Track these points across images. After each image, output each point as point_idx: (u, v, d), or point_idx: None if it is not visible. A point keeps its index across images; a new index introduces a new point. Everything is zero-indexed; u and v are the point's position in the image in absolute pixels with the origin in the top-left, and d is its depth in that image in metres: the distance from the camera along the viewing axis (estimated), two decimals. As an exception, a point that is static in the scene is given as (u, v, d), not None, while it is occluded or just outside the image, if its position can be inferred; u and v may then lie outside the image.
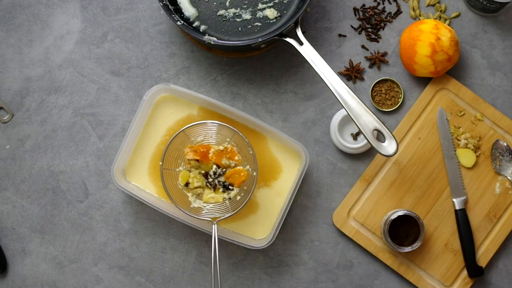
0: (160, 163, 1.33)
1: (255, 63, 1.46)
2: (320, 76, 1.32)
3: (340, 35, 1.46)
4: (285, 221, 1.42)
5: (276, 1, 1.43)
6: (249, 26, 1.42)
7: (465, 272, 1.41)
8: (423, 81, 1.45)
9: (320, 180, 1.44)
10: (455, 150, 1.42)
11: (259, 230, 1.40)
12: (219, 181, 1.34)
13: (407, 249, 1.36)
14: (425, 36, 1.38)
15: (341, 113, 1.42)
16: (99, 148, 1.44)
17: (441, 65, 1.39)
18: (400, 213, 1.36)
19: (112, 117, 1.45)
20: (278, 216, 1.38)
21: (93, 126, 1.45)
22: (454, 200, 1.41)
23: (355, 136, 1.43)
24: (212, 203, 1.34)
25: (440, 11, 1.47)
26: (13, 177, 1.44)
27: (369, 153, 1.44)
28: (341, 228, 1.41)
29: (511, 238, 1.42)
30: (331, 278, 1.42)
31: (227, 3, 1.43)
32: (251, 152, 1.33)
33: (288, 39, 1.35)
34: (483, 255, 1.41)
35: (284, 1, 1.43)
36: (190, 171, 1.34)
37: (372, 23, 1.46)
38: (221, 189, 1.34)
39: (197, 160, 1.33)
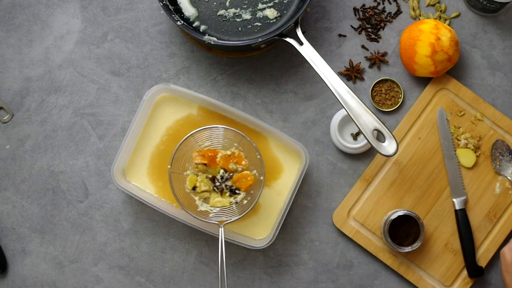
0: (169, 166, 1.33)
1: (255, 63, 1.46)
2: (320, 76, 1.32)
3: (340, 35, 1.46)
4: (285, 221, 1.42)
5: (276, 1, 1.43)
6: (249, 26, 1.42)
7: (465, 272, 1.41)
8: (423, 81, 1.45)
9: (320, 180, 1.44)
10: (455, 150, 1.42)
11: (259, 230, 1.40)
12: (226, 185, 1.33)
13: (407, 249, 1.36)
14: (425, 36, 1.38)
15: (341, 113, 1.41)
16: (99, 148, 1.44)
17: (441, 65, 1.39)
18: (400, 213, 1.36)
19: (112, 117, 1.45)
20: (278, 216, 1.38)
21: (93, 126, 1.45)
22: (454, 200, 1.41)
23: (355, 136, 1.43)
24: (219, 207, 1.34)
25: (440, 11, 1.46)
26: (13, 177, 1.44)
27: (369, 153, 1.44)
28: (341, 228, 1.41)
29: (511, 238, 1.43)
30: (331, 278, 1.42)
31: (227, 3, 1.43)
32: (258, 157, 1.33)
33: (288, 39, 1.35)
34: (483, 255, 1.41)
35: (284, 1, 1.43)
36: (197, 175, 1.34)
37: (372, 23, 1.46)
38: (228, 193, 1.34)
39: (205, 164, 1.32)
